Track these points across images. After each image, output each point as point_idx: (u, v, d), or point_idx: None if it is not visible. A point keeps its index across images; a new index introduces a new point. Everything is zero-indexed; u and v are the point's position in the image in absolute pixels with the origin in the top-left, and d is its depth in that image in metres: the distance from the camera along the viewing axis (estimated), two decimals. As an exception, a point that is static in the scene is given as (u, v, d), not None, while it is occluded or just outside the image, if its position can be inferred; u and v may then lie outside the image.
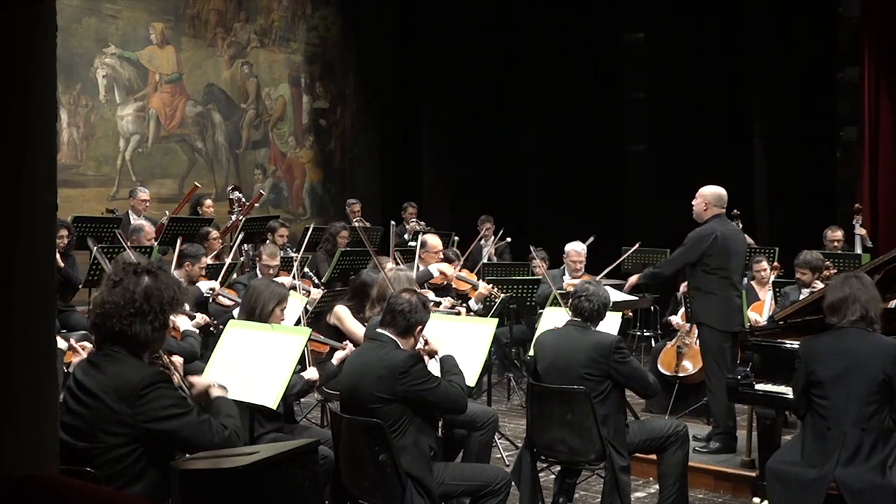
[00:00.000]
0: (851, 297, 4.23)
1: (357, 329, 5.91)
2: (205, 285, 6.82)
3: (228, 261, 7.67)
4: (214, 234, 8.27)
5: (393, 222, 8.58)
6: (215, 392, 3.41)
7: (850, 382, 4.11)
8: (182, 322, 5.53)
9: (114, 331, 3.09)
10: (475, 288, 7.86)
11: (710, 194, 6.33)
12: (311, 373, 4.79)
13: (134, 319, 3.08)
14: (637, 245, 9.15)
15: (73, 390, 3.09)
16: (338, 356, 5.07)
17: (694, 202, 6.38)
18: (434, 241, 8.02)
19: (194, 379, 3.43)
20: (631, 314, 9.08)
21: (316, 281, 7.99)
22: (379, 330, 4.21)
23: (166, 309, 3.17)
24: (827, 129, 11.22)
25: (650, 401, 7.48)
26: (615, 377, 4.63)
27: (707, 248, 6.13)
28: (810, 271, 7.24)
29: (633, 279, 6.91)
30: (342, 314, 6.03)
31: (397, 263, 7.18)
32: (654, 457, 4.99)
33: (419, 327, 4.21)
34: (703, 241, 6.16)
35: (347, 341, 5.31)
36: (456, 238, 10.19)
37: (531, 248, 8.35)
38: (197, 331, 5.75)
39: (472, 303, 7.72)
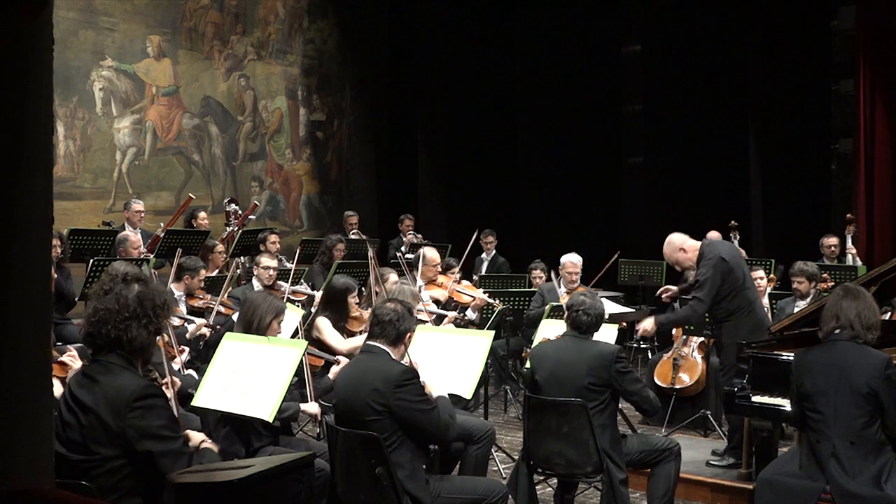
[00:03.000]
0: (835, 311, 4.25)
1: (336, 341, 5.88)
2: (200, 320, 6.48)
3: (225, 273, 7.66)
4: (220, 247, 8.27)
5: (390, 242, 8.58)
6: (205, 445, 3.46)
7: (838, 396, 4.11)
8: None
9: (109, 337, 3.09)
10: (472, 297, 7.87)
11: (686, 246, 6.18)
12: (313, 407, 4.77)
13: (130, 324, 3.09)
14: (617, 255, 9.16)
15: (67, 402, 3.09)
16: (334, 370, 5.06)
17: (680, 257, 6.23)
18: (432, 254, 8.09)
19: (190, 433, 3.43)
20: (625, 325, 9.09)
21: (310, 291, 7.97)
22: (370, 342, 4.20)
23: (159, 313, 3.19)
24: (822, 142, 11.27)
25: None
26: (616, 387, 4.63)
27: (727, 272, 5.97)
28: (806, 279, 7.25)
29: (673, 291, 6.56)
30: (322, 326, 6.00)
31: (401, 276, 7.19)
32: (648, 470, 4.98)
33: (409, 334, 4.21)
34: (717, 266, 5.98)
35: (344, 350, 5.31)
36: (449, 245, 10.23)
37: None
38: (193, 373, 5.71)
39: (469, 312, 7.73)
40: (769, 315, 7.47)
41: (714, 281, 5.94)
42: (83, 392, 3.06)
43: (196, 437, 3.48)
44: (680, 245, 6.22)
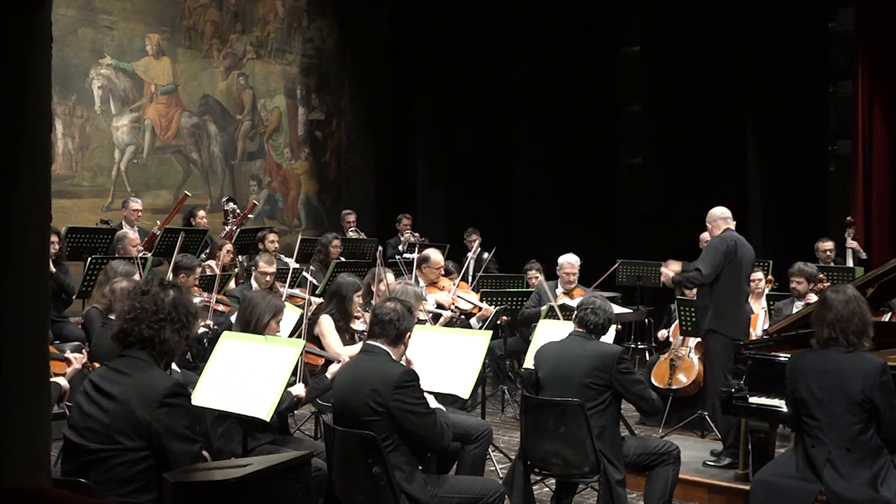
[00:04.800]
0: (819, 318, 4.22)
1: (334, 343, 5.89)
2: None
3: (229, 272, 7.68)
4: (228, 247, 8.28)
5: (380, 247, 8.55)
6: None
7: (833, 403, 4.07)
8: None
9: (142, 335, 3.21)
10: (477, 307, 7.87)
11: (712, 215, 6.46)
12: (299, 389, 4.77)
13: (164, 325, 3.23)
14: (618, 263, 9.21)
15: (90, 396, 3.16)
16: (332, 369, 5.05)
17: (706, 233, 6.52)
18: (436, 256, 8.05)
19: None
20: (619, 327, 9.09)
21: (315, 282, 7.97)
22: (370, 342, 4.20)
23: (191, 321, 3.35)
24: (820, 143, 11.27)
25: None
26: (617, 388, 4.64)
27: (728, 253, 6.18)
28: (805, 280, 7.25)
29: (676, 268, 6.57)
30: (324, 325, 6.02)
31: (399, 276, 7.19)
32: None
33: (408, 333, 4.21)
34: (720, 247, 6.20)
35: (342, 354, 5.31)
36: (447, 245, 10.26)
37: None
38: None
39: (473, 321, 7.73)
40: (767, 316, 7.51)
41: (716, 257, 6.17)
42: (109, 384, 3.15)
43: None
44: (709, 221, 6.45)
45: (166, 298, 3.27)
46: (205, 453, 3.73)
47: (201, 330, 6.33)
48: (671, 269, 6.59)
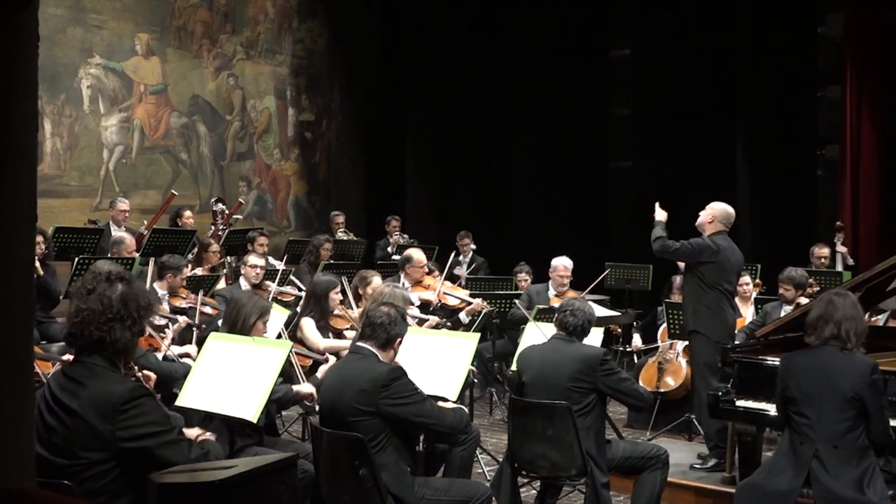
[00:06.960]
0: (825, 316, 4.25)
1: (317, 339, 5.91)
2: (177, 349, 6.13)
3: (217, 272, 7.66)
4: (215, 247, 8.25)
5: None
6: (203, 438, 3.54)
7: (823, 401, 4.12)
8: (174, 347, 5.53)
9: (93, 339, 3.05)
10: (464, 302, 7.87)
11: (720, 209, 6.38)
12: (306, 387, 4.78)
13: (113, 325, 3.05)
14: (607, 272, 9.26)
15: (50, 405, 3.04)
16: (322, 369, 5.05)
17: (701, 212, 6.42)
18: (419, 255, 8.08)
19: (187, 431, 3.45)
20: (619, 330, 9.13)
21: (301, 286, 7.96)
22: (359, 343, 4.20)
23: (143, 314, 3.15)
24: (809, 147, 11.32)
25: (633, 417, 7.50)
26: (603, 390, 4.65)
27: (707, 258, 6.17)
28: (793, 287, 7.27)
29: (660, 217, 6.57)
30: (304, 325, 6.03)
31: (386, 277, 7.20)
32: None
33: (399, 339, 4.21)
34: (705, 251, 6.20)
35: (329, 354, 5.31)
36: (436, 247, 10.26)
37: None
38: (188, 361, 5.67)
39: (462, 315, 7.74)
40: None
41: (693, 250, 6.22)
42: (67, 396, 3.02)
43: (191, 432, 3.50)
44: (713, 212, 6.35)
45: (113, 295, 3.06)
46: (210, 436, 3.71)
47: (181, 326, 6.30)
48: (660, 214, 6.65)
